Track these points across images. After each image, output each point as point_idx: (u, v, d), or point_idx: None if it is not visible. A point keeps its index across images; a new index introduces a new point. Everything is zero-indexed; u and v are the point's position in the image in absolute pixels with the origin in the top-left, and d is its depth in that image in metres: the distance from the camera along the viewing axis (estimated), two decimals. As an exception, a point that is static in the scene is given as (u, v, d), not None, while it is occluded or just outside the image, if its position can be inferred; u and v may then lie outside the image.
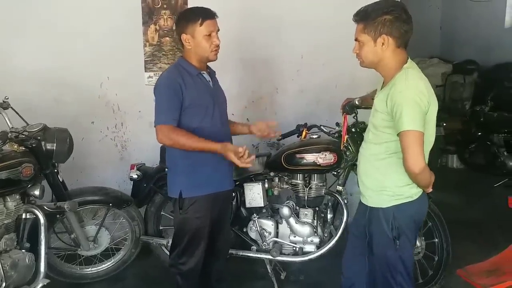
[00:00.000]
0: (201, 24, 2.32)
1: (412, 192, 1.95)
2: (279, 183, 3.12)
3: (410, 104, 1.80)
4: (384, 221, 1.97)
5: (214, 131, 2.41)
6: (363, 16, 1.91)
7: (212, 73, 2.55)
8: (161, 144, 3.10)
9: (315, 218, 3.04)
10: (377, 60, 1.94)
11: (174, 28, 2.44)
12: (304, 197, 3.01)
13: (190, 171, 2.41)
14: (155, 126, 2.33)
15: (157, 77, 3.58)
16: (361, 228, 2.12)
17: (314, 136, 3.05)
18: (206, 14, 2.35)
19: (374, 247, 2.04)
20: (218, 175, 2.48)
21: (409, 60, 1.95)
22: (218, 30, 2.39)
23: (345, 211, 2.98)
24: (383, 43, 1.88)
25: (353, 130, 2.93)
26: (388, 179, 1.97)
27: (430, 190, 2.01)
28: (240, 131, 2.72)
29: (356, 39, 1.97)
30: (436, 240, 2.93)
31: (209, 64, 2.53)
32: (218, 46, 2.38)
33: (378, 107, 1.94)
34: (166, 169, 3.01)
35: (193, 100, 2.34)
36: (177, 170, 2.45)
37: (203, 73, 2.46)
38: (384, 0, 1.93)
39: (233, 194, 3.06)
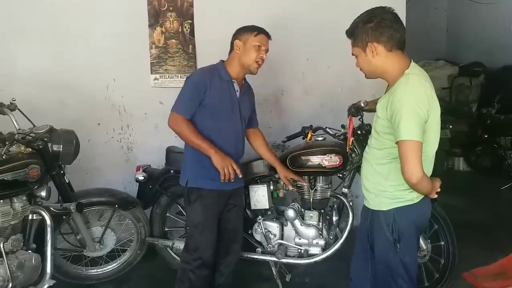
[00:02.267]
0: (256, 35, 2.53)
1: (413, 196, 1.94)
2: (284, 185, 3.12)
3: (408, 113, 1.79)
4: (384, 224, 1.97)
5: (228, 136, 2.57)
6: (350, 32, 1.98)
7: (245, 85, 2.66)
8: (166, 146, 3.15)
9: (321, 220, 3.03)
10: (373, 68, 1.96)
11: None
12: (310, 199, 3.01)
13: (197, 163, 2.53)
14: (171, 111, 2.50)
15: (163, 79, 3.68)
16: (365, 232, 2.12)
17: (320, 138, 3.04)
18: (262, 31, 2.57)
19: (376, 250, 2.04)
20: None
21: (412, 64, 1.94)
22: (268, 50, 2.59)
23: (350, 213, 2.97)
24: (372, 51, 1.91)
25: (358, 132, 2.92)
26: (389, 183, 1.97)
27: (435, 196, 2.00)
28: (264, 155, 2.91)
29: (352, 54, 2.01)
30: (442, 243, 2.91)
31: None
32: (263, 60, 2.57)
33: (380, 113, 1.94)
34: (172, 171, 3.04)
35: (212, 102, 2.49)
36: (187, 160, 2.61)
37: (234, 82, 2.57)
38: (366, 10, 1.95)
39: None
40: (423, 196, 1.97)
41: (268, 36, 2.59)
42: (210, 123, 2.51)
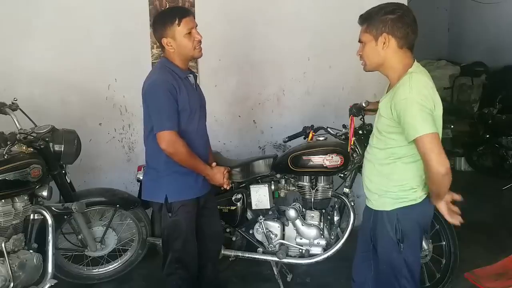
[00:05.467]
0: (179, 24, 2.27)
1: (417, 195, 1.94)
2: (285, 185, 3.12)
3: (416, 109, 1.78)
4: (388, 224, 1.96)
5: (199, 137, 2.44)
6: (366, 17, 1.93)
7: (194, 75, 2.52)
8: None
9: (322, 220, 3.03)
10: (378, 60, 1.92)
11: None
12: (311, 199, 3.01)
13: (175, 175, 2.39)
14: (157, 132, 2.29)
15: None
16: (367, 233, 2.11)
17: (321, 138, 3.04)
18: (182, 13, 2.31)
19: (379, 250, 2.04)
20: (200, 179, 2.47)
21: (415, 63, 1.93)
22: (197, 25, 2.35)
23: (351, 213, 2.97)
24: (384, 42, 1.87)
25: (360, 132, 2.92)
26: (392, 183, 1.96)
27: (442, 202, 1.92)
28: None
29: (359, 41, 1.97)
30: (444, 243, 2.91)
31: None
32: (200, 42, 2.33)
33: (383, 112, 1.92)
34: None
35: (183, 104, 2.32)
36: (159, 173, 2.42)
37: (189, 76, 2.44)
38: (388, 2, 1.93)
39: (240, 195, 3.06)
40: (426, 196, 1.96)
41: (189, 13, 2.33)
42: (184, 127, 2.33)
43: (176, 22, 2.26)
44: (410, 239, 1.97)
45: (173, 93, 2.28)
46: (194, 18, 2.38)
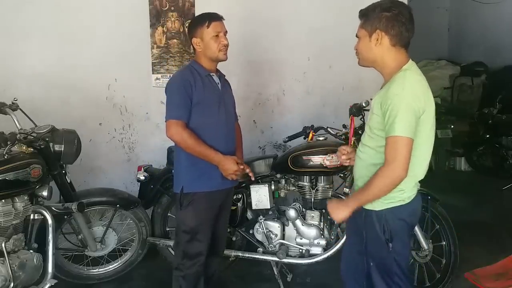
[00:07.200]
0: (208, 26, 2.45)
1: (405, 196, 1.94)
2: (285, 185, 3.12)
3: (406, 109, 1.78)
4: (377, 224, 1.96)
5: (217, 131, 2.49)
6: (364, 13, 1.95)
7: (221, 76, 2.61)
8: (168, 146, 3.14)
9: (322, 220, 3.03)
10: (371, 56, 1.94)
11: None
12: (311, 199, 3.01)
13: (192, 167, 2.47)
14: (166, 121, 2.41)
15: (165, 79, 3.67)
16: (357, 226, 2.10)
17: (321, 138, 3.04)
18: (212, 17, 2.48)
19: (369, 249, 2.04)
20: (217, 174, 2.49)
21: (410, 61, 1.93)
22: (226, 32, 2.50)
23: (351, 213, 2.97)
24: (377, 39, 1.89)
25: (360, 132, 2.91)
26: None
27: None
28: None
29: (356, 35, 1.99)
30: (444, 243, 2.91)
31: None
32: (226, 46, 2.48)
33: (374, 108, 1.92)
34: (173, 170, 3.01)
35: (199, 100, 2.43)
36: (181, 166, 2.52)
37: (212, 75, 2.53)
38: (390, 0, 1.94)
39: (240, 195, 3.06)
40: (414, 196, 1.97)
41: (219, 19, 2.49)
42: (198, 121, 2.43)
43: (206, 24, 2.45)
44: (399, 238, 1.97)
45: (187, 88, 2.41)
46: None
